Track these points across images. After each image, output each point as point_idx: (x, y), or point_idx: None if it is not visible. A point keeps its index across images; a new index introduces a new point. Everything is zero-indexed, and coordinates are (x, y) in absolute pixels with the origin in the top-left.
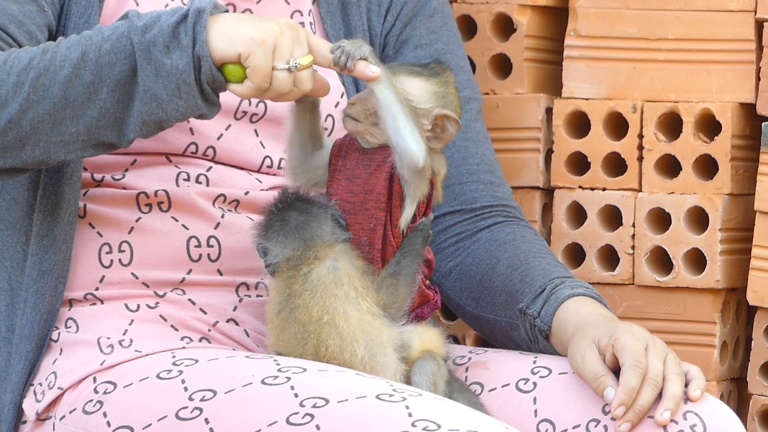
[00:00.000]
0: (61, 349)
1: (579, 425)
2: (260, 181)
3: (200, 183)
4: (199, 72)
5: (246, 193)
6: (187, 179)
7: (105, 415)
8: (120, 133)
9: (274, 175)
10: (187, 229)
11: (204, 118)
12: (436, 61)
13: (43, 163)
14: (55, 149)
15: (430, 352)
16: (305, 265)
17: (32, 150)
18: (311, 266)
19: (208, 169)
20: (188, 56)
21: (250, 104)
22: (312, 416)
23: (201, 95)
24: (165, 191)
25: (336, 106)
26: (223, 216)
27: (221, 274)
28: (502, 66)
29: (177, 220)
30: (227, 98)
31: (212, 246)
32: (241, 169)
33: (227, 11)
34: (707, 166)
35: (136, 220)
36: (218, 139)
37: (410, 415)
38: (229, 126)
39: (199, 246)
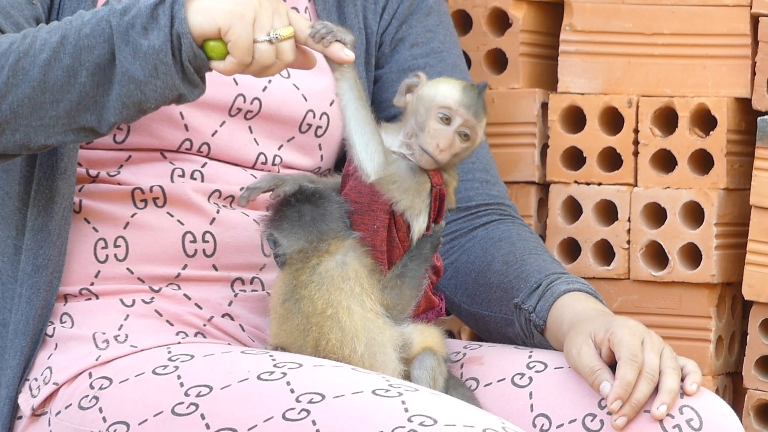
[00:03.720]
0: (57, 344)
1: (575, 420)
2: (255, 177)
3: (195, 179)
4: (179, 51)
5: (241, 189)
6: (182, 175)
7: (101, 410)
8: (99, 116)
9: (268, 171)
10: (182, 224)
11: (184, 101)
12: (483, 87)
13: (24, 148)
14: (35, 133)
15: (431, 348)
16: (315, 257)
17: (12, 134)
18: (321, 259)
19: (203, 165)
20: (165, 35)
21: (244, 101)
22: (308, 412)
23: (181, 74)
24: (160, 187)
25: (331, 105)
26: (218, 212)
27: (216, 270)
28: (498, 61)
29: (172, 216)
30: (223, 95)
31: (207, 241)
32: (236, 165)
33: None
34: (703, 161)
35: (132, 216)
36: (212, 135)
37: (406, 410)
38: (224, 123)
39: (194, 241)
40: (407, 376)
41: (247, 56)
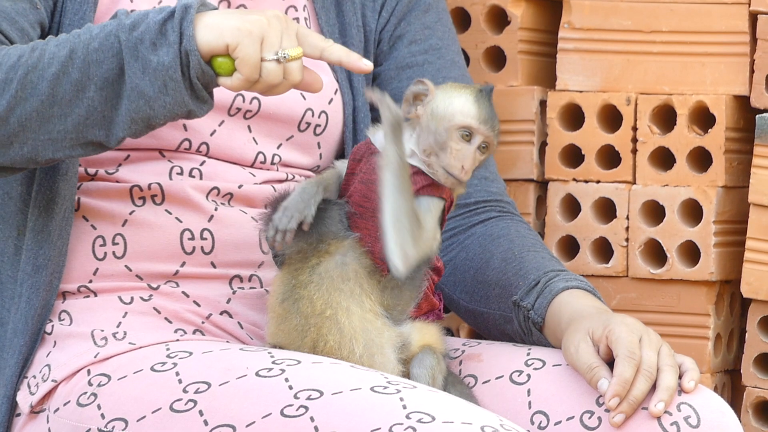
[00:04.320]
0: (55, 342)
1: (573, 417)
2: (253, 175)
3: (193, 177)
4: (187, 67)
5: (239, 187)
6: (181, 173)
7: (99, 407)
8: (108, 131)
9: (267, 169)
10: (180, 222)
11: (193, 117)
12: (489, 89)
13: (32, 161)
14: (43, 147)
15: (430, 346)
16: (315, 258)
17: (20, 148)
18: (320, 259)
19: (202, 164)
20: (174, 52)
21: (243, 101)
22: (306, 408)
23: (190, 91)
24: (158, 184)
25: (330, 103)
26: (216, 209)
27: (215, 267)
28: (496, 58)
29: (170, 213)
30: (221, 94)
31: (206, 239)
32: (235, 164)
33: (215, 8)
34: (701, 159)
35: (130, 213)
36: (211, 135)
37: (404, 407)
38: (223, 122)
39: (192, 239)
40: (406, 377)
41: (254, 73)
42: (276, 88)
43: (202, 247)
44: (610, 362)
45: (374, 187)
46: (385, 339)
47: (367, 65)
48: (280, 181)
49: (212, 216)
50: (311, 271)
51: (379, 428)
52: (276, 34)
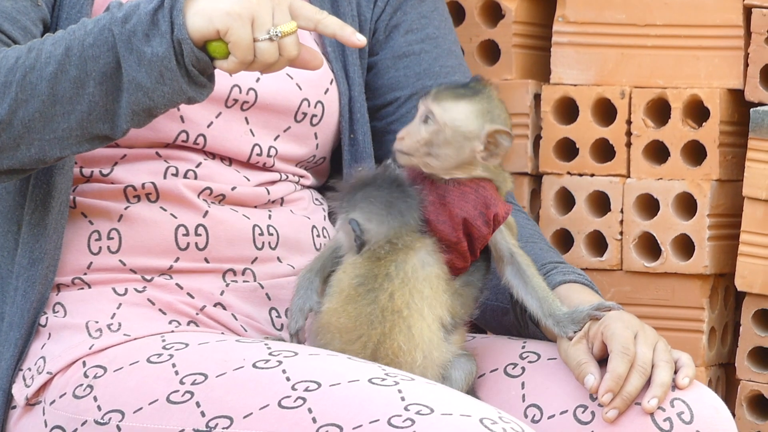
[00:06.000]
0: (50, 334)
1: (566, 411)
2: (248, 179)
3: (188, 178)
4: (181, 56)
5: (233, 189)
6: (176, 174)
7: (95, 399)
8: (113, 124)
9: (263, 165)
10: (175, 218)
11: (194, 102)
12: (476, 79)
13: (41, 161)
14: (50, 146)
15: (466, 350)
16: (402, 252)
17: (27, 149)
18: (407, 255)
19: (198, 165)
20: (167, 42)
21: (240, 92)
22: (304, 399)
23: (186, 78)
24: (152, 183)
25: (325, 93)
26: (208, 208)
27: (208, 262)
28: (491, 52)
29: (165, 210)
30: (218, 87)
31: (200, 234)
32: (231, 161)
33: None
34: (695, 152)
35: (125, 209)
36: (208, 127)
37: (403, 399)
38: (220, 114)
39: (187, 234)
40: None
41: (248, 56)
42: (274, 66)
43: (196, 243)
44: (606, 358)
45: (432, 208)
46: (441, 354)
47: (361, 40)
48: (273, 183)
49: (207, 212)
50: (398, 266)
51: (378, 420)
52: (266, 12)
